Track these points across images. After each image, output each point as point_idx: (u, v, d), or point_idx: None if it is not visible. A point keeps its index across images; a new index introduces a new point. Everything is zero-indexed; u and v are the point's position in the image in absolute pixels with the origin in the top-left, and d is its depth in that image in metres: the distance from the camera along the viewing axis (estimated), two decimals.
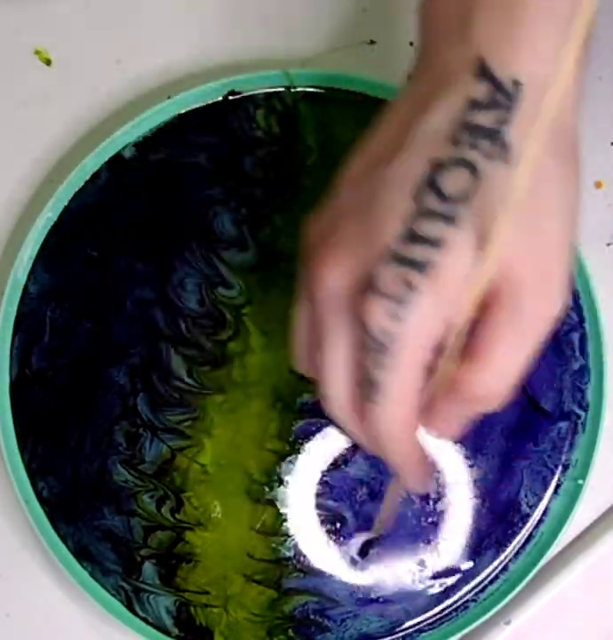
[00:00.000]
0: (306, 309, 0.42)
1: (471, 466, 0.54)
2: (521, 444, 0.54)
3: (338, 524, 0.54)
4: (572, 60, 0.37)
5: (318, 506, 0.54)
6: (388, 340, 0.37)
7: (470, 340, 0.39)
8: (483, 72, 0.37)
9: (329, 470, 0.54)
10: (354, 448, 0.54)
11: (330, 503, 0.54)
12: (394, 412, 0.39)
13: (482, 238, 0.37)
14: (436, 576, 0.54)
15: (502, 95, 0.37)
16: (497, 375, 0.38)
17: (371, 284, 0.37)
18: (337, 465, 0.54)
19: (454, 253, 0.37)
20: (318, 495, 0.54)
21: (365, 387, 0.39)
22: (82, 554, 0.53)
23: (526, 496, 0.54)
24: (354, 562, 0.54)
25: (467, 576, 0.54)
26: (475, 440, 0.54)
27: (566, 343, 0.54)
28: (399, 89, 0.42)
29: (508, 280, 0.37)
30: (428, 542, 0.54)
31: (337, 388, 0.41)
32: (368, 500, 0.54)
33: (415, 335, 0.37)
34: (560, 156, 0.38)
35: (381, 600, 0.54)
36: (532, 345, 0.38)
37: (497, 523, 0.54)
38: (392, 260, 0.37)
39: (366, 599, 0.54)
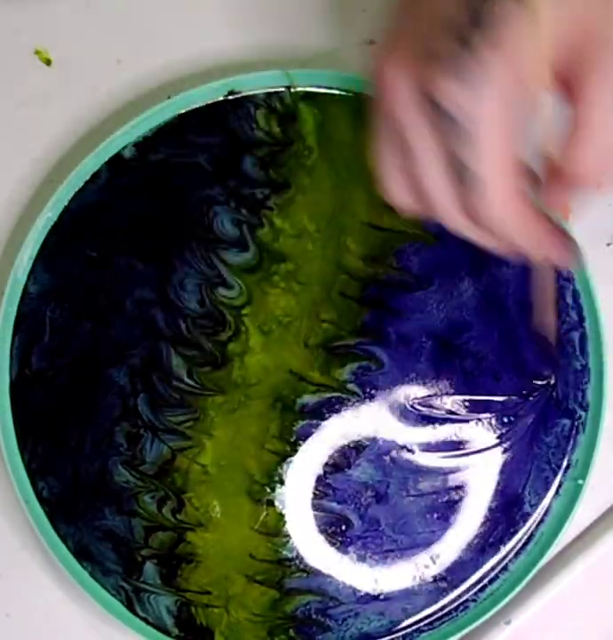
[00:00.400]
0: (387, 137, 0.41)
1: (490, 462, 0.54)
2: (537, 435, 0.55)
3: (343, 527, 0.54)
4: None
5: (320, 507, 0.54)
6: (466, 119, 0.37)
7: (571, 122, 0.38)
8: None
9: (331, 472, 0.54)
10: (357, 450, 0.54)
11: (334, 505, 0.54)
12: (496, 189, 0.38)
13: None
14: (436, 575, 0.54)
15: None
16: (600, 144, 0.38)
17: (441, 62, 0.37)
18: (340, 467, 0.54)
19: (512, 23, 0.37)
20: (319, 496, 0.54)
21: (459, 178, 0.39)
22: (82, 554, 0.53)
23: (529, 494, 0.54)
24: (358, 560, 0.54)
25: (467, 575, 0.54)
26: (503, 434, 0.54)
27: (566, 342, 0.54)
28: None
29: (584, 33, 0.37)
30: (429, 542, 0.54)
31: (444, 196, 0.40)
32: (374, 503, 0.54)
33: (492, 111, 0.37)
34: None
35: (382, 599, 0.54)
36: None
37: (498, 522, 0.54)
38: (458, 38, 0.37)
39: (367, 597, 0.54)
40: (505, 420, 0.54)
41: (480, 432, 0.54)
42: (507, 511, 0.54)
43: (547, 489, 0.55)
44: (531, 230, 0.40)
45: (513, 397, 0.54)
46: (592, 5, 0.37)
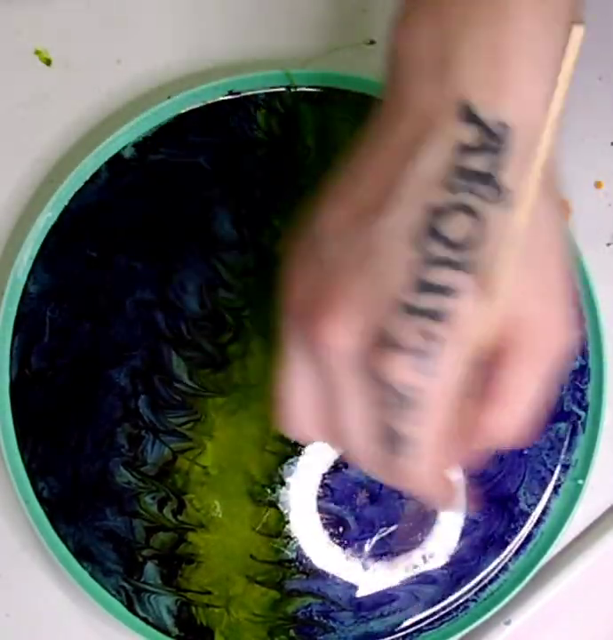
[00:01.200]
0: (305, 372, 0.40)
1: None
2: None
3: (341, 528, 0.54)
4: (561, 103, 0.36)
5: (320, 508, 0.54)
6: (415, 394, 0.37)
7: (488, 384, 0.38)
8: (469, 115, 0.36)
9: (330, 472, 0.54)
10: None
11: (332, 506, 0.54)
12: (426, 461, 0.38)
13: (490, 281, 0.36)
14: (437, 575, 0.54)
15: (491, 138, 0.36)
16: (515, 414, 0.38)
17: (387, 339, 0.36)
18: (337, 467, 0.54)
19: (467, 298, 0.36)
20: (320, 497, 0.54)
21: (390, 442, 0.38)
22: (82, 554, 0.53)
23: (525, 494, 0.54)
24: (357, 564, 0.54)
25: (467, 575, 0.54)
26: None
27: None
28: (365, 135, 0.40)
29: (518, 319, 0.37)
30: (428, 542, 0.54)
31: (361, 448, 0.39)
32: (368, 504, 0.54)
33: (444, 385, 0.37)
34: (549, 193, 0.38)
35: (382, 600, 0.54)
36: (545, 379, 0.38)
37: (496, 522, 0.54)
38: (405, 312, 0.36)
39: (368, 599, 0.54)
40: None
41: None
42: (503, 510, 0.54)
43: (544, 489, 0.55)
44: (434, 490, 0.41)
45: None
46: (537, 281, 0.38)
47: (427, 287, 0.36)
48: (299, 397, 0.40)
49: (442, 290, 0.36)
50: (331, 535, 0.54)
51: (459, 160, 0.36)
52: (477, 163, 0.36)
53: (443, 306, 0.36)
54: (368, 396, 0.38)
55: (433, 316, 0.36)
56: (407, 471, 0.39)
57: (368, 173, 0.39)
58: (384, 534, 0.54)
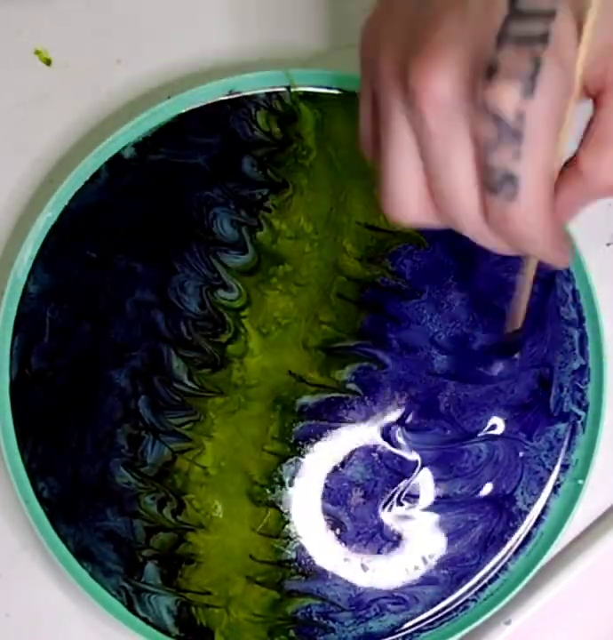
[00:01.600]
0: (406, 142, 0.39)
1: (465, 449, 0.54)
2: (514, 431, 0.54)
3: (341, 528, 0.54)
4: None
5: (319, 509, 0.54)
6: (524, 124, 0.36)
7: (591, 127, 0.38)
8: None
9: (331, 473, 0.54)
10: (352, 450, 0.54)
11: (333, 507, 0.54)
12: (539, 203, 0.37)
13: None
14: (437, 576, 0.54)
15: None
16: None
17: (493, 69, 0.35)
18: (339, 468, 0.54)
19: (566, 22, 0.36)
20: (319, 498, 0.54)
21: (498, 187, 0.37)
22: (82, 554, 0.53)
23: (522, 494, 0.54)
24: (357, 565, 0.54)
25: (467, 575, 0.54)
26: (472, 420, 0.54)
27: (566, 337, 0.54)
28: None
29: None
30: (427, 542, 0.54)
31: (470, 209, 0.39)
32: (361, 504, 0.54)
33: (551, 112, 0.36)
34: None
35: (382, 600, 0.54)
36: None
37: (495, 521, 0.54)
38: (508, 40, 0.35)
39: (367, 600, 0.54)
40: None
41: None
42: (500, 509, 0.54)
43: (542, 489, 0.55)
44: (550, 237, 0.39)
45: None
46: None
47: (527, 15, 0.35)
48: (404, 174, 0.39)
49: (543, 14, 0.35)
50: (332, 536, 0.54)
51: None
52: None
53: (546, 29, 0.35)
54: (473, 142, 0.37)
55: (537, 40, 0.35)
56: (516, 218, 0.37)
57: None
58: (382, 534, 0.54)
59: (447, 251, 0.54)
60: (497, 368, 0.54)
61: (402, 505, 0.54)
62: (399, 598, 0.54)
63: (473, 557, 0.54)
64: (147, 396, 0.53)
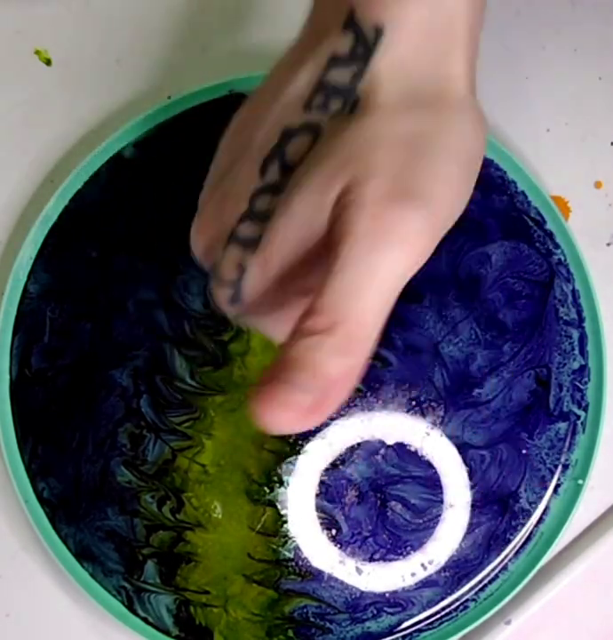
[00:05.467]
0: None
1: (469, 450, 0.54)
2: (516, 432, 0.54)
3: (334, 530, 0.54)
4: None
5: (318, 508, 0.54)
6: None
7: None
8: (350, 23, 0.35)
9: (330, 472, 0.54)
10: (352, 448, 0.54)
11: (326, 505, 0.54)
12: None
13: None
14: (436, 575, 0.54)
15: (361, 46, 0.34)
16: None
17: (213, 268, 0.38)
18: (338, 467, 0.54)
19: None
20: (318, 497, 0.54)
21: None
22: (83, 554, 0.53)
23: (526, 492, 0.54)
24: (352, 567, 0.54)
25: (467, 575, 0.54)
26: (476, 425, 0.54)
27: (565, 337, 0.54)
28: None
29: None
30: (427, 541, 0.54)
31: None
32: (355, 504, 0.54)
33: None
34: (465, 106, 0.35)
35: (381, 600, 0.54)
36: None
37: (496, 520, 0.54)
38: (231, 239, 0.37)
39: (365, 600, 0.54)
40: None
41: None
42: (505, 508, 0.54)
43: (545, 487, 0.55)
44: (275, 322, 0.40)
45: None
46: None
47: (254, 215, 0.36)
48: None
49: (260, 218, 0.36)
50: (330, 536, 0.54)
51: (326, 75, 0.35)
52: (340, 75, 0.35)
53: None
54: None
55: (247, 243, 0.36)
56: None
57: (266, 85, 0.39)
58: (381, 534, 0.54)
59: (451, 263, 0.54)
60: (489, 386, 0.54)
61: (403, 506, 0.54)
62: (398, 597, 0.54)
63: (476, 558, 0.54)
64: (149, 396, 0.53)
